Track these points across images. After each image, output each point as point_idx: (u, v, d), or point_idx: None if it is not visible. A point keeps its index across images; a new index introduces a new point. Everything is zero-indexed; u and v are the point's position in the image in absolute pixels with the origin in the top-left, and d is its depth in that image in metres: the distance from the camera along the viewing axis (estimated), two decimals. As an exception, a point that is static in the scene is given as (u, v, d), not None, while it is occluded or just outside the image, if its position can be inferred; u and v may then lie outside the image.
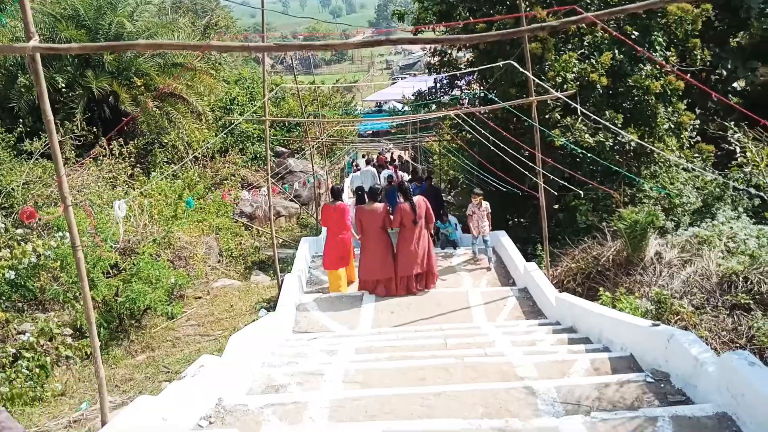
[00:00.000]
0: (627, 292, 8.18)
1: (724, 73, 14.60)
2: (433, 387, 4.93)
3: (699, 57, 11.72)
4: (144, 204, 10.29)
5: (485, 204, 10.39)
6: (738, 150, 10.90)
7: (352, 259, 9.66)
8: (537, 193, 8.90)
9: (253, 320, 8.41)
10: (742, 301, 7.61)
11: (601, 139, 10.34)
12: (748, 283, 7.92)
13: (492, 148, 9.59)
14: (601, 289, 8.28)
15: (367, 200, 8.99)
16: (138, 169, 13.95)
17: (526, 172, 9.67)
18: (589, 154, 10.71)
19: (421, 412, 4.60)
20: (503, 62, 9.87)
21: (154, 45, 3.52)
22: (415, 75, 50.15)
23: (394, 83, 48.01)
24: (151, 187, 12.20)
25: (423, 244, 8.86)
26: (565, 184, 9.89)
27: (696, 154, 12.37)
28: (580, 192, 9.53)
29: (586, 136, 10.31)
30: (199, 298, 9.74)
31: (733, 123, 11.35)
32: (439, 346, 6.43)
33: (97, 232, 7.89)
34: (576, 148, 10.47)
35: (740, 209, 10.76)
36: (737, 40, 15.04)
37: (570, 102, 10.08)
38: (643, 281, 8.82)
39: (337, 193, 9.61)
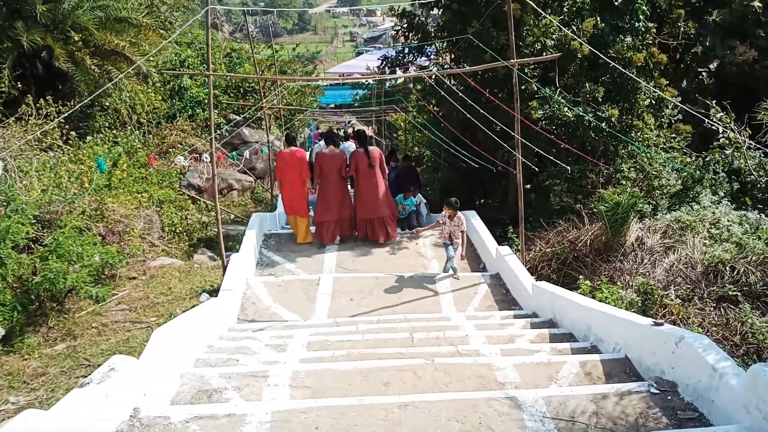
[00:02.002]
0: (608, 280, 7.49)
1: (700, 50, 14.06)
2: (399, 397, 4.08)
3: (682, 29, 11.05)
4: (73, 170, 9.10)
5: (460, 218, 8.12)
6: (720, 131, 10.30)
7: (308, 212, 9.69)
8: (513, 170, 8.11)
9: (193, 306, 7.43)
10: (730, 292, 7.00)
11: (581, 113, 9.58)
12: (735, 273, 7.33)
13: (468, 116, 8.67)
14: (580, 277, 7.56)
15: (325, 145, 9.51)
16: (74, 134, 12.62)
17: (504, 145, 8.84)
18: (565, 132, 10.02)
19: (383, 430, 3.76)
20: (477, 24, 8.97)
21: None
22: (380, 48, 48.83)
23: (359, 55, 46.70)
24: (85, 152, 10.98)
25: (381, 189, 9.33)
26: (535, 167, 9.12)
27: (673, 135, 11.79)
28: (560, 168, 8.74)
29: (565, 109, 9.53)
30: (134, 278, 8.66)
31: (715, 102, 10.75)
32: (405, 341, 5.59)
33: (8, 199, 6.74)
34: (554, 122, 9.73)
35: (721, 193, 10.23)
36: (714, 18, 14.47)
37: (550, 71, 9.31)
38: (623, 269, 8.15)
39: (292, 140, 9.72)
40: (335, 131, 24.16)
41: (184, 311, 7.24)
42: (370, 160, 9.16)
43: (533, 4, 8.38)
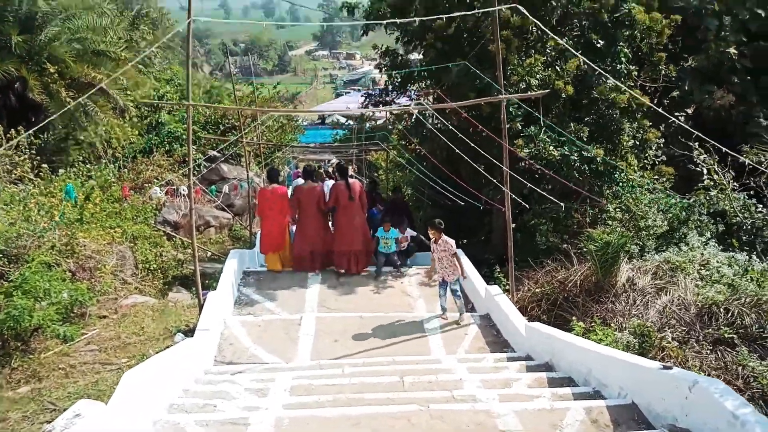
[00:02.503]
0: (601, 322, 7.26)
1: (678, 94, 14.27)
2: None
3: (663, 72, 11.17)
4: (43, 203, 8.70)
5: (446, 241, 7.49)
6: (705, 172, 10.31)
7: (288, 242, 9.75)
8: (501, 207, 7.93)
9: (167, 347, 6.99)
10: (726, 335, 6.80)
11: (566, 153, 9.51)
12: (729, 314, 7.15)
13: (452, 153, 8.52)
14: (573, 319, 7.31)
15: (304, 181, 9.69)
16: (47, 166, 12.23)
17: (492, 179, 8.66)
18: (550, 171, 9.92)
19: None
20: (461, 61, 8.92)
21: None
22: (359, 90, 49.30)
23: (339, 96, 47.04)
24: (57, 185, 10.58)
25: (360, 221, 9.51)
26: (524, 203, 8.97)
27: (656, 176, 11.80)
28: (545, 207, 8.57)
29: (551, 148, 9.45)
30: (105, 317, 8.18)
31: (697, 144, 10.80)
32: (395, 384, 5.25)
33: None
34: (538, 161, 9.63)
35: (708, 234, 10.17)
36: (691, 64, 14.75)
37: (534, 112, 9.25)
38: (615, 310, 7.93)
39: (274, 177, 9.99)
40: (315, 168, 24.03)
41: (157, 352, 6.80)
42: (350, 193, 9.26)
43: (516, 46, 8.34)
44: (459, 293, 7.63)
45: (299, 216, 9.42)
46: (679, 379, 3.94)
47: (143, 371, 4.46)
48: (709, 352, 6.63)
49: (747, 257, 8.59)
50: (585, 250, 8.67)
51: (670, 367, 4.13)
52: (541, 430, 4.10)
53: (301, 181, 10.61)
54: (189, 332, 7.34)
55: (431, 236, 7.54)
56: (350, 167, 28.71)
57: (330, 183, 12.49)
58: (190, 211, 7.38)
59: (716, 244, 9.76)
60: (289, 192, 10.78)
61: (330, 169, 26.52)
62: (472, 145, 8.10)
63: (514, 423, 4.17)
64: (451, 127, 8.94)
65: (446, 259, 7.46)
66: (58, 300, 6.73)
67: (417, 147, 12.87)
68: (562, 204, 8.41)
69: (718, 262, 8.75)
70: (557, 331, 6.10)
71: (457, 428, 4.12)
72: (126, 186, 11.33)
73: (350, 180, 9.63)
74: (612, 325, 7.35)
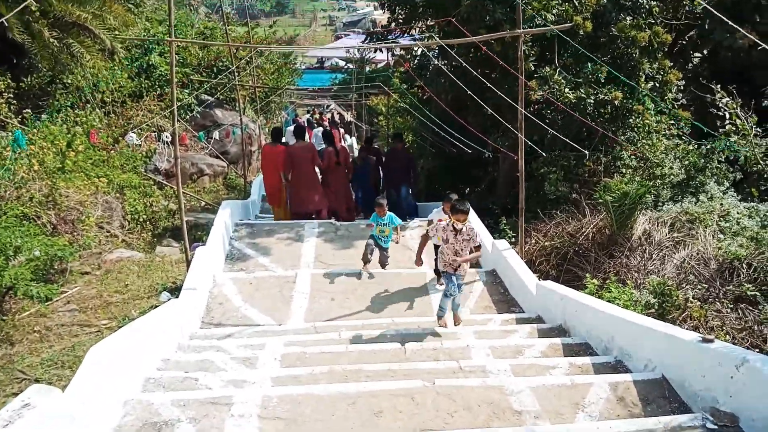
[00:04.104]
0: (616, 279, 6.76)
1: (697, 33, 13.38)
2: (396, 434, 3.28)
3: (686, 8, 10.32)
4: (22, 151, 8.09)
5: (473, 229, 5.39)
6: (727, 117, 9.62)
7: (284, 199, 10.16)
8: (512, 154, 7.33)
9: (152, 306, 6.53)
10: (748, 292, 6.31)
11: (582, 95, 8.81)
12: (752, 270, 6.66)
13: (459, 97, 7.82)
14: (587, 275, 6.80)
15: (296, 140, 10.04)
16: (30, 112, 11.55)
17: (505, 123, 8.01)
18: (562, 115, 9.25)
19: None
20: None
21: None
22: (359, 32, 47.66)
23: (338, 39, 45.55)
24: (40, 132, 9.93)
25: (344, 184, 10.56)
26: (536, 149, 8.33)
27: (672, 121, 11.10)
28: (556, 155, 7.95)
29: (566, 90, 8.75)
30: (87, 273, 7.70)
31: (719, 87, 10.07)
32: (396, 353, 4.78)
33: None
34: (552, 104, 8.95)
35: (726, 183, 9.59)
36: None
37: (548, 51, 8.51)
38: (630, 265, 7.44)
39: (277, 136, 10.22)
40: (311, 116, 23.21)
41: (141, 313, 6.35)
42: (338, 159, 10.16)
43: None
44: (461, 288, 5.62)
45: (293, 175, 9.58)
46: (723, 354, 3.44)
47: (114, 344, 3.98)
48: (729, 310, 6.17)
49: (769, 207, 8.07)
50: (599, 200, 8.11)
51: (711, 340, 3.63)
52: (562, 410, 3.64)
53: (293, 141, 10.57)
54: (176, 290, 6.86)
55: (451, 218, 5.26)
56: (349, 112, 27.85)
57: (319, 130, 13.62)
58: (176, 159, 6.81)
59: (734, 194, 9.23)
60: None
61: (327, 116, 25.74)
62: (485, 82, 7.35)
63: (531, 402, 3.70)
64: (464, 63, 8.19)
65: (466, 250, 5.38)
66: (30, 258, 6.20)
67: (420, 90, 12.12)
68: (583, 151, 7.71)
69: (738, 213, 8.23)
70: (573, 292, 5.59)
71: (467, 408, 3.66)
72: (93, 132, 10.56)
73: (338, 147, 10.53)
74: (628, 281, 6.87)
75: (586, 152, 7.81)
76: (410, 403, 3.71)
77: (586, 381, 3.90)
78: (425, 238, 5.91)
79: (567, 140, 7.30)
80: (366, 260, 6.93)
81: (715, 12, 6.69)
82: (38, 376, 5.28)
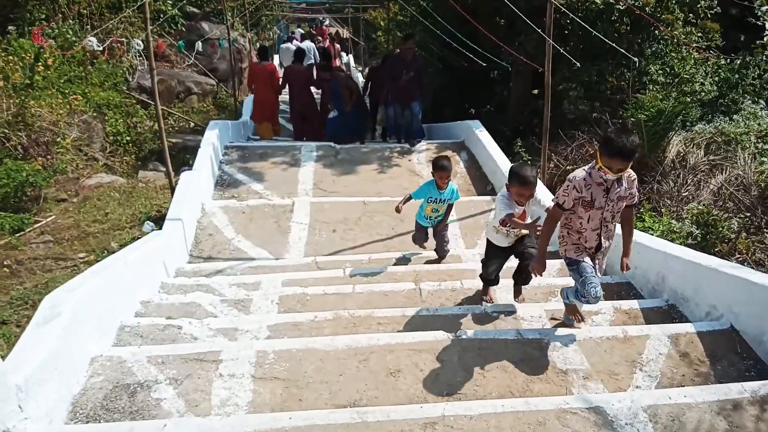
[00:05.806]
0: (650, 207, 6.09)
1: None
2: (421, 408, 2.69)
3: None
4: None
5: (632, 176, 3.21)
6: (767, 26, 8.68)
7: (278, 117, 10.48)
8: (537, 66, 6.49)
9: (133, 238, 5.87)
10: (796, 221, 5.68)
11: (611, 0, 7.85)
12: (797, 197, 6.01)
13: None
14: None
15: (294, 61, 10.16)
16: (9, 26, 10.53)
17: (530, 25, 7.10)
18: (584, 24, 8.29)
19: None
20: None
21: None
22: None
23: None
24: (3, 45, 8.97)
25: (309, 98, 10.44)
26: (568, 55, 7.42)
27: (699, 33, 10.13)
28: (576, 69, 7.09)
29: (593, -6, 7.79)
30: (64, 200, 7.01)
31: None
32: (410, 294, 4.16)
33: None
34: (575, 12, 7.98)
35: (762, 102, 8.78)
36: None
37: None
38: (662, 191, 6.76)
39: (264, 54, 10.33)
40: (303, 31, 21.81)
41: (121, 245, 5.69)
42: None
43: None
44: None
45: (290, 93, 10.11)
46: (816, 305, 2.82)
47: (80, 287, 3.34)
48: (773, 242, 5.55)
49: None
50: (628, 119, 7.33)
51: (799, 287, 3.00)
52: (616, 369, 3.04)
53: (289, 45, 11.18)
54: (161, 219, 6.17)
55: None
56: (345, 29, 26.31)
57: (309, 43, 14.71)
58: (151, 70, 5.97)
59: (769, 113, 8.45)
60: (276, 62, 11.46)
61: (343, 36, 24.35)
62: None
63: (578, 359, 3.10)
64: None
65: (617, 216, 3.29)
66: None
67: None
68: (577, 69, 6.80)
69: (779, 133, 7.50)
70: (610, 224, 4.90)
71: (502, 367, 3.06)
72: (37, 31, 9.31)
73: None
74: (663, 210, 6.20)
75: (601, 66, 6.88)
76: (433, 360, 3.11)
77: (641, 333, 3.29)
78: (551, 220, 3.34)
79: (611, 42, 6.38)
80: (421, 246, 5.31)
81: None
82: (5, 318, 4.67)
